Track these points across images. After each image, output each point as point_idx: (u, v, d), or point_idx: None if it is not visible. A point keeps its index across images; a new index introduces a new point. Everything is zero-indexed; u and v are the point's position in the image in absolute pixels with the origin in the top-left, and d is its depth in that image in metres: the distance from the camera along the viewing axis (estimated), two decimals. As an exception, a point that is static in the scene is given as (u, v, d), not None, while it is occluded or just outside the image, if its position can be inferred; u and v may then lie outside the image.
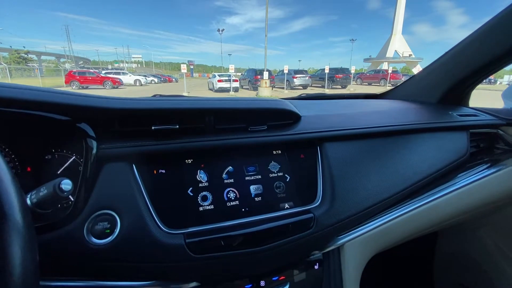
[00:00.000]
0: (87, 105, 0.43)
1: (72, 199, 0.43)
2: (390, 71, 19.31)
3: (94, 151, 0.44)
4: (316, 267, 0.51)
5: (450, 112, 0.83)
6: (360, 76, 22.20)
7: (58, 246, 0.39)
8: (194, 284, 0.43)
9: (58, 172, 0.56)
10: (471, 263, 1.07)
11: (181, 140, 0.50)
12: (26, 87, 0.41)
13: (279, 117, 0.60)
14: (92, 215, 0.41)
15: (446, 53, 0.91)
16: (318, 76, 17.75)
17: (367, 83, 21.22)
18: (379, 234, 0.57)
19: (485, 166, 0.77)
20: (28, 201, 0.33)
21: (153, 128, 0.48)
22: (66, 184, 0.34)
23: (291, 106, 0.63)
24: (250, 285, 0.46)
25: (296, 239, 0.47)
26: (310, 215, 0.50)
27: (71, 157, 0.55)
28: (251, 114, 0.57)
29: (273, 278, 0.47)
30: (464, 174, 0.74)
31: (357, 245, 0.54)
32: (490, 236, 1.03)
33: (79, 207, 0.41)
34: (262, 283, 0.46)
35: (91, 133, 0.45)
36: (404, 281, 1.29)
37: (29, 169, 0.48)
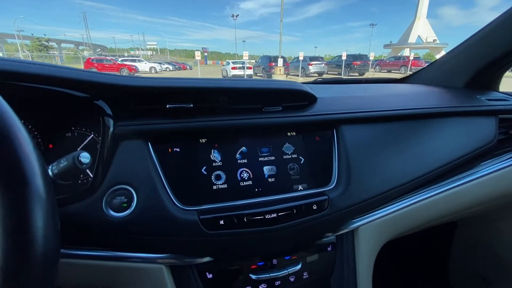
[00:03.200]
0: (104, 82, 0.44)
1: (91, 174, 0.44)
2: (411, 58, 18.39)
3: (111, 128, 0.45)
4: (329, 249, 0.51)
5: (477, 96, 0.78)
6: (379, 63, 21.29)
7: (78, 217, 0.41)
8: (207, 259, 0.44)
9: (78, 149, 0.58)
10: (491, 255, 1.03)
11: (195, 119, 0.50)
12: (48, 64, 0.42)
13: (294, 98, 0.59)
14: (110, 189, 0.42)
15: (475, 34, 0.85)
16: (335, 63, 17.20)
17: (386, 71, 20.34)
18: (395, 219, 0.56)
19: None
20: (50, 172, 0.35)
21: (168, 106, 0.48)
22: (85, 157, 0.35)
23: (307, 87, 0.61)
24: (262, 263, 0.46)
25: (309, 220, 0.47)
26: (325, 197, 0.49)
27: (90, 135, 0.57)
28: (266, 95, 0.56)
29: (285, 257, 0.48)
30: (490, 161, 0.70)
31: (371, 229, 0.53)
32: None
33: (98, 181, 0.43)
34: (274, 261, 0.47)
35: (108, 111, 0.46)
36: (419, 270, 1.28)
37: (51, 146, 0.50)
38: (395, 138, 0.62)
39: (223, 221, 0.43)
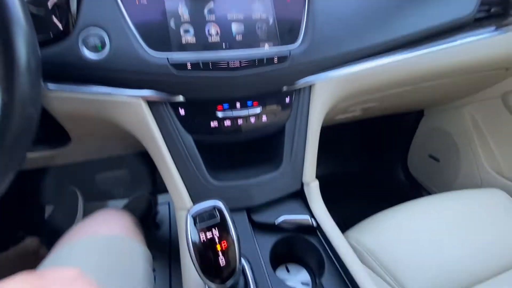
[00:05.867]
0: None
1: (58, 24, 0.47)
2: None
3: None
4: (287, 100, 0.59)
5: None
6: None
7: (57, 59, 0.46)
8: (180, 98, 0.52)
9: None
10: (446, 138, 1.18)
11: None
12: None
13: None
14: (84, 29, 0.46)
15: None
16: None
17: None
18: (355, 77, 0.62)
19: (490, 30, 0.73)
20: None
21: None
22: None
23: None
24: (227, 105, 0.55)
25: (269, 71, 0.53)
26: (286, 52, 0.54)
27: None
28: None
29: (248, 102, 0.56)
30: (465, 34, 0.71)
31: (329, 86, 0.60)
32: (473, 114, 1.08)
33: (71, 22, 0.46)
34: (238, 104, 0.55)
35: None
36: (379, 150, 1.46)
37: None
38: None
39: (190, 65, 0.49)
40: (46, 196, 1.21)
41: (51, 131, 0.65)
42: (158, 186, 1.38)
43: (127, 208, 1.24)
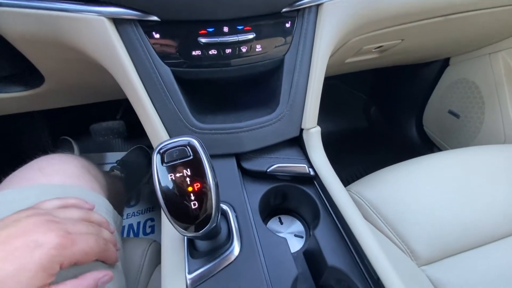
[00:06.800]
0: None
1: None
2: None
3: None
4: (287, 25, 0.48)
5: None
6: None
7: None
8: (154, 18, 0.42)
9: None
10: (472, 90, 1.05)
11: None
12: None
13: None
14: None
15: None
16: None
17: None
18: None
19: None
20: None
21: None
22: None
23: None
24: (212, 29, 0.45)
25: None
26: None
27: None
28: None
29: (238, 26, 0.46)
30: None
31: (339, 7, 0.48)
32: (508, 61, 0.94)
33: None
34: (225, 28, 0.45)
35: None
36: (392, 104, 1.35)
37: None
38: None
39: None
40: (42, 146, 1.19)
41: (22, 69, 0.57)
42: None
43: (125, 160, 1.22)
